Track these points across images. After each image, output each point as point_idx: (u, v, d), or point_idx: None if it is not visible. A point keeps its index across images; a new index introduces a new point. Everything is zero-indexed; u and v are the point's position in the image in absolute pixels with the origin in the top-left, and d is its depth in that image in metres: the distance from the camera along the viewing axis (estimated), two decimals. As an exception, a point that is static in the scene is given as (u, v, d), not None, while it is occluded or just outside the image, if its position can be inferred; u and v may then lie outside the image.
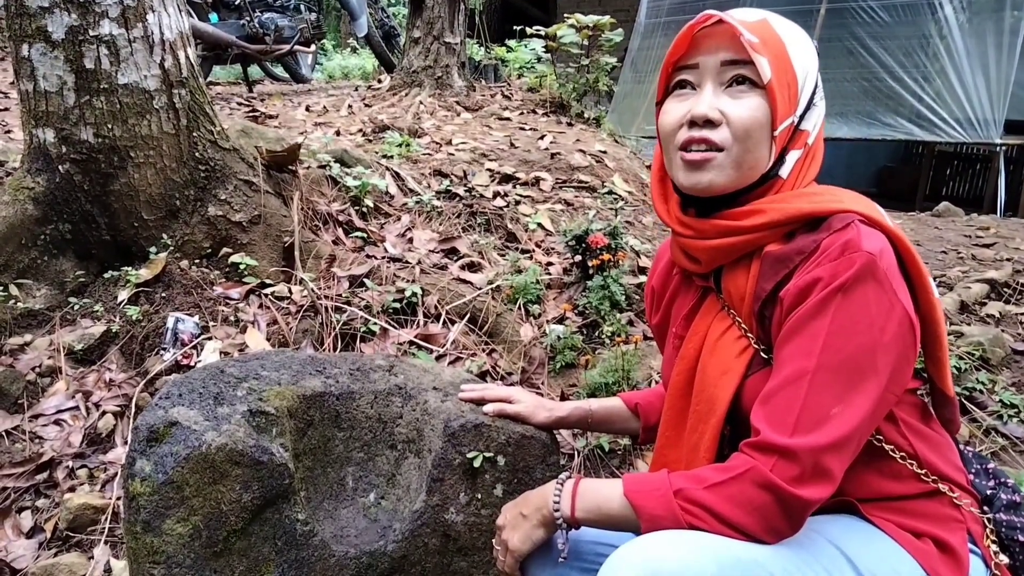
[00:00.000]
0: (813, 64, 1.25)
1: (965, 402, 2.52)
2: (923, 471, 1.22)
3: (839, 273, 1.09)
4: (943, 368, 1.25)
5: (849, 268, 1.09)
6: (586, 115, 6.03)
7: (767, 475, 1.07)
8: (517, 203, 3.88)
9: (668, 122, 1.26)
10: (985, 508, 1.27)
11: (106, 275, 2.75)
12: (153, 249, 2.77)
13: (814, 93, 1.25)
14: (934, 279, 3.33)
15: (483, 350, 2.82)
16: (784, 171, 1.23)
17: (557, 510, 1.23)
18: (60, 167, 2.64)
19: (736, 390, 1.22)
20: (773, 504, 1.08)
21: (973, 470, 1.32)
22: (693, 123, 1.21)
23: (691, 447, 1.28)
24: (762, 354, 1.22)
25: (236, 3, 6.76)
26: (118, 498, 2.10)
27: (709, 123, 1.20)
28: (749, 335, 1.24)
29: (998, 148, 7.60)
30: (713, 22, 1.21)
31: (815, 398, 1.09)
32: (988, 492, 1.29)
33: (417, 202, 3.63)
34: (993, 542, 1.23)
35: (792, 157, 1.24)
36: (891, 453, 1.21)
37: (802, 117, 1.23)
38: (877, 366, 1.09)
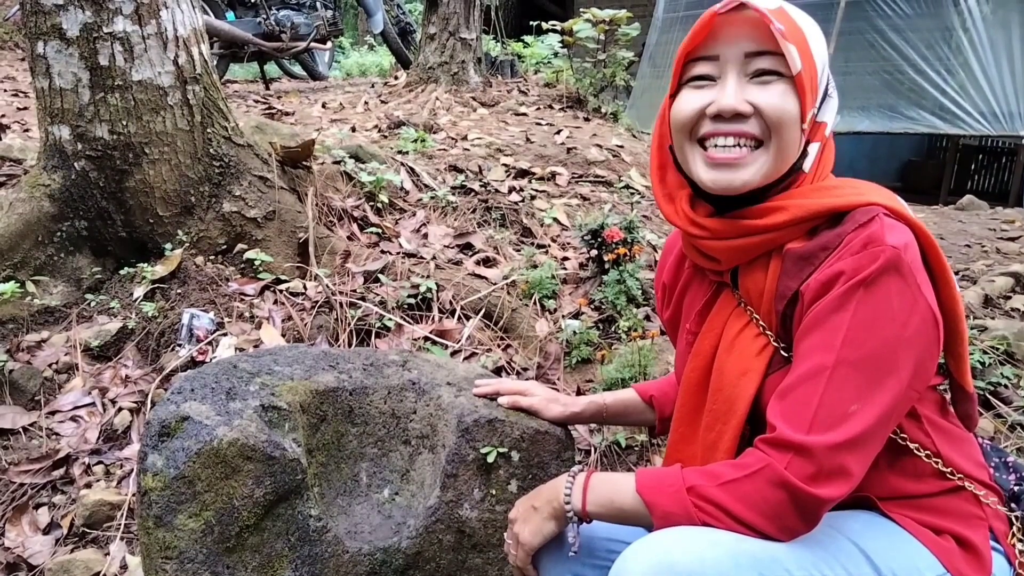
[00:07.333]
0: (825, 53, 1.21)
1: (990, 397, 2.48)
2: (947, 469, 1.19)
3: (862, 267, 1.06)
4: (963, 363, 1.22)
5: (873, 262, 1.06)
6: (603, 110, 6.00)
7: (782, 473, 1.05)
8: (533, 198, 3.86)
9: (684, 112, 1.20)
10: (1012, 505, 1.24)
11: (122, 272, 2.76)
12: (168, 245, 2.78)
13: (828, 83, 1.21)
14: (957, 273, 3.28)
15: (498, 345, 2.80)
16: (807, 164, 1.20)
17: (568, 503, 1.22)
18: (76, 164, 2.65)
19: (756, 390, 1.19)
20: (787, 503, 1.05)
21: (993, 464, 1.29)
22: (719, 117, 1.16)
23: (708, 445, 1.25)
24: (782, 352, 1.19)
25: (252, 1, 6.78)
26: (134, 494, 2.10)
27: (739, 116, 1.15)
28: (768, 333, 1.21)
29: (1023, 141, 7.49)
30: (733, 6, 1.14)
31: (834, 394, 1.06)
32: (1013, 488, 1.26)
33: (432, 197, 3.62)
34: (1020, 540, 1.20)
35: (813, 149, 1.20)
36: (914, 451, 1.18)
37: (819, 108, 1.20)
38: (899, 362, 1.06)
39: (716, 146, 1.18)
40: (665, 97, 1.27)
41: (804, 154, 1.20)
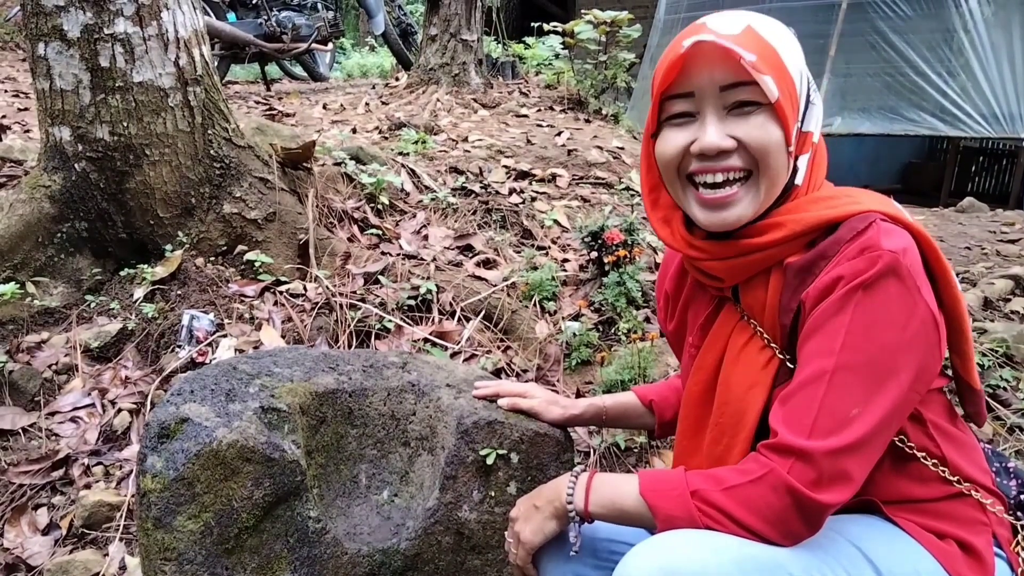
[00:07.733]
0: (802, 60, 1.19)
1: (989, 399, 2.47)
2: (954, 477, 1.19)
3: (860, 271, 1.06)
4: (968, 361, 1.22)
5: (871, 266, 1.06)
6: (604, 111, 6.00)
7: (785, 478, 1.05)
8: (533, 200, 3.86)
9: (668, 152, 1.20)
10: (1019, 514, 1.24)
11: (122, 273, 2.76)
12: (169, 247, 2.78)
13: (808, 91, 1.19)
14: (957, 275, 3.28)
15: (498, 347, 2.80)
16: (799, 178, 1.20)
17: (570, 503, 1.22)
18: (76, 165, 2.65)
19: (765, 403, 1.19)
20: (791, 508, 1.05)
21: (994, 469, 1.29)
22: (703, 156, 1.16)
23: (716, 459, 1.24)
24: (788, 364, 1.18)
25: (254, 2, 6.79)
26: (133, 495, 2.10)
27: (723, 153, 1.15)
28: (773, 345, 1.20)
29: (1024, 143, 7.49)
30: (693, 43, 1.11)
31: (834, 399, 1.06)
32: (1021, 497, 1.25)
33: (433, 199, 3.62)
34: None
35: (803, 162, 1.20)
36: (919, 457, 1.18)
37: (803, 120, 1.19)
38: (899, 365, 1.06)
39: (706, 184, 1.18)
40: (647, 135, 1.26)
41: (795, 169, 1.19)
